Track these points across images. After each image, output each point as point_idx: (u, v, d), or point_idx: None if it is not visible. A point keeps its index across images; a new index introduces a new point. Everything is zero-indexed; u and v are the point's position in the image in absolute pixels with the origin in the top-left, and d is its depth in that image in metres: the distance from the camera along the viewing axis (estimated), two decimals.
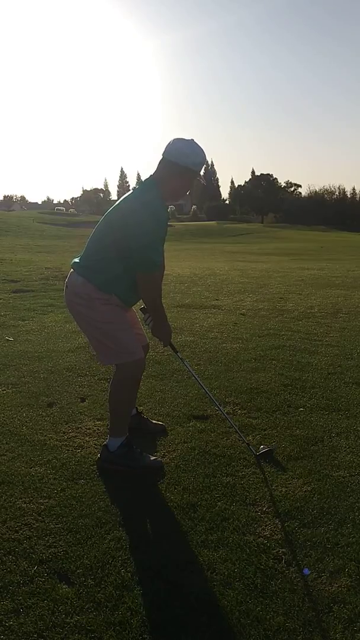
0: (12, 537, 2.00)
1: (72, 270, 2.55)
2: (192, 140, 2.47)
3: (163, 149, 2.46)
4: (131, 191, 2.49)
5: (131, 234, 2.34)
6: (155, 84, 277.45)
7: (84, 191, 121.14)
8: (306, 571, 1.83)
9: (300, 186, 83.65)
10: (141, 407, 3.16)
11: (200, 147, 2.48)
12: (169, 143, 2.45)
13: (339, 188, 75.15)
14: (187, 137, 2.46)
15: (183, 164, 2.41)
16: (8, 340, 4.97)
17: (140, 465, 2.51)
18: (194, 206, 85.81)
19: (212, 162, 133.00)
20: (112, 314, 2.49)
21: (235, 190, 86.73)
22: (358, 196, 75.11)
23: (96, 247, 2.50)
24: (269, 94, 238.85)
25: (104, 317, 2.48)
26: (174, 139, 2.47)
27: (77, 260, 2.57)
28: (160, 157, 2.46)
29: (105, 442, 2.59)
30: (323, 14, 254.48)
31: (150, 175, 2.48)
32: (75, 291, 2.50)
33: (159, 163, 2.47)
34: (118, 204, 2.50)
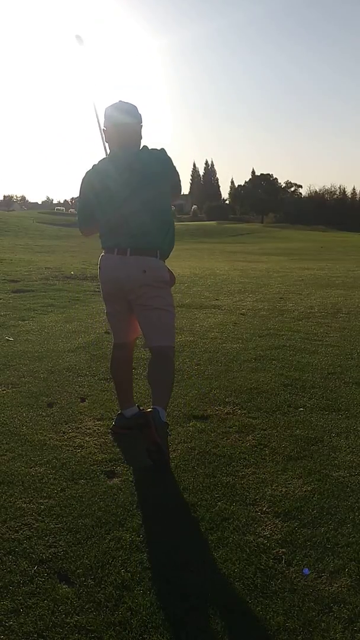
0: (12, 537, 2.00)
1: (122, 256, 2.66)
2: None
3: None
4: (142, 152, 2.74)
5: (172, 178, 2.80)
6: (158, 82, 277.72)
7: None
8: (306, 571, 1.82)
9: (300, 186, 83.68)
10: (142, 407, 3.15)
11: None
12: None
13: (339, 188, 75.20)
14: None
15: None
16: (8, 340, 4.97)
17: (165, 441, 2.53)
18: (194, 206, 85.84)
19: (212, 162, 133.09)
20: None
21: (235, 190, 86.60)
22: (358, 196, 75.13)
23: (150, 215, 2.68)
24: (271, 94, 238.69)
25: (172, 300, 2.81)
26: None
27: (129, 241, 2.66)
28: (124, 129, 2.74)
29: (154, 409, 2.55)
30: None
31: (132, 144, 2.76)
32: (149, 275, 2.65)
33: (133, 132, 2.75)
34: (142, 166, 2.69)
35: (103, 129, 2.76)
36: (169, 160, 2.75)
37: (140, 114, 2.77)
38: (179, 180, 2.88)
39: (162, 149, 2.77)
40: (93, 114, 2.97)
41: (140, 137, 2.78)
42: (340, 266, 13.85)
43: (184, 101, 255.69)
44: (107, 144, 2.86)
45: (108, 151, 2.86)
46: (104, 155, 2.86)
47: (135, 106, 2.76)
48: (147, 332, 2.77)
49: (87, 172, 2.78)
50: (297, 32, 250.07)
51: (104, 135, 2.81)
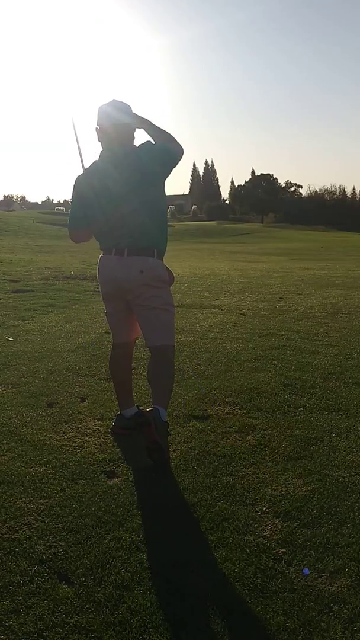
0: (12, 537, 2.00)
1: (119, 256, 2.67)
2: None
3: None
4: (135, 152, 2.71)
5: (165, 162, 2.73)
6: (158, 82, 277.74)
7: None
8: (306, 571, 1.82)
9: (300, 186, 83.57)
10: (142, 407, 3.15)
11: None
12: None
13: (339, 188, 75.12)
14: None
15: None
16: (8, 340, 4.97)
17: (165, 440, 2.51)
18: (194, 206, 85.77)
19: (212, 162, 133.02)
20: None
21: (235, 190, 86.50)
22: (358, 196, 75.08)
23: (149, 214, 2.69)
24: (271, 94, 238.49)
25: (172, 299, 2.82)
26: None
27: (127, 241, 2.67)
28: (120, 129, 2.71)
29: (154, 408, 2.52)
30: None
31: (130, 144, 2.75)
32: (147, 274, 2.66)
33: (131, 132, 2.75)
34: (135, 168, 2.66)
35: (96, 128, 2.73)
36: (154, 149, 2.72)
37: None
38: (170, 149, 2.75)
39: (147, 142, 2.75)
40: (72, 129, 2.97)
41: (134, 137, 2.77)
42: (340, 266, 13.85)
43: (183, 101, 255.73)
44: (84, 158, 2.87)
45: (85, 166, 2.83)
46: (81, 170, 2.83)
47: (129, 106, 2.75)
48: (147, 331, 2.78)
49: (79, 175, 2.77)
50: (297, 32, 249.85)
51: (96, 135, 2.76)
